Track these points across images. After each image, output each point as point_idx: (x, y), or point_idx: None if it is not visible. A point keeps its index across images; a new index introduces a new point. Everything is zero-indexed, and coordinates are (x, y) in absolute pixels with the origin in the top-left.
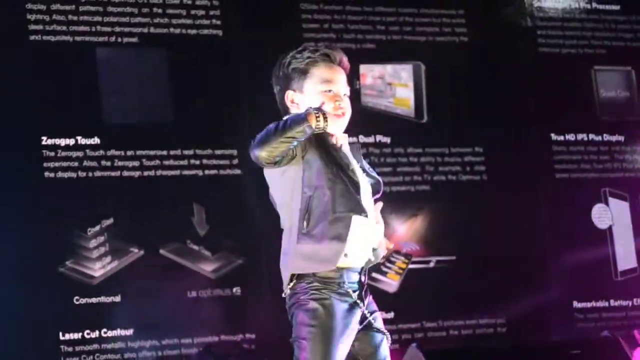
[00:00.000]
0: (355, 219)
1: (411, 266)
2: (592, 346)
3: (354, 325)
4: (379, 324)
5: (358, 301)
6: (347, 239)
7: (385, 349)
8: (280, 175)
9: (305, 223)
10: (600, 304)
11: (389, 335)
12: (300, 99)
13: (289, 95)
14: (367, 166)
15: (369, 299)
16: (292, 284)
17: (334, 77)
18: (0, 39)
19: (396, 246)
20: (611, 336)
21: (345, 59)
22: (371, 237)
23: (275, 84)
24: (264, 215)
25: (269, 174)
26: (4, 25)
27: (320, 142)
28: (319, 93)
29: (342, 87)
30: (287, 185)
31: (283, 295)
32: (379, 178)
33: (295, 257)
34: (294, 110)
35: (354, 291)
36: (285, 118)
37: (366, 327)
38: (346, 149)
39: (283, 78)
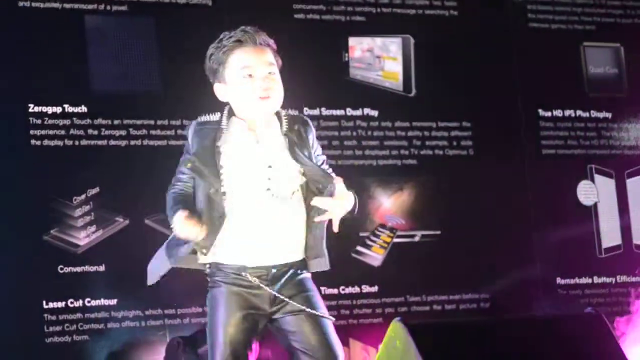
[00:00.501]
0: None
1: (396, 240)
2: (575, 322)
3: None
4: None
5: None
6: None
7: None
8: None
9: None
10: (584, 280)
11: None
12: (225, 90)
13: (216, 88)
14: (306, 154)
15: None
16: None
17: (250, 61)
18: None
19: (381, 220)
20: (594, 312)
21: (262, 37)
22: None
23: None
24: None
25: None
26: None
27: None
28: (239, 81)
29: (263, 67)
30: None
31: None
32: (323, 172)
33: None
34: (226, 100)
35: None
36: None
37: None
38: (268, 141)
39: (210, 72)
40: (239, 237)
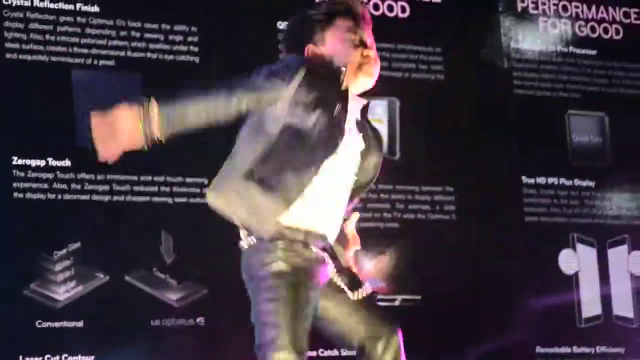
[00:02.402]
0: None
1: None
2: None
3: None
4: None
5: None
6: None
7: None
8: None
9: None
10: (563, 350)
11: None
12: (322, 52)
13: (310, 50)
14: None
15: None
16: None
17: (358, 23)
18: None
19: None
20: None
21: (367, 13)
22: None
23: (286, 45)
24: (231, 246)
25: None
26: None
27: None
28: (343, 42)
29: (366, 36)
30: None
31: None
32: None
33: None
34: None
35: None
36: None
37: None
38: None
39: (299, 34)
40: (315, 206)
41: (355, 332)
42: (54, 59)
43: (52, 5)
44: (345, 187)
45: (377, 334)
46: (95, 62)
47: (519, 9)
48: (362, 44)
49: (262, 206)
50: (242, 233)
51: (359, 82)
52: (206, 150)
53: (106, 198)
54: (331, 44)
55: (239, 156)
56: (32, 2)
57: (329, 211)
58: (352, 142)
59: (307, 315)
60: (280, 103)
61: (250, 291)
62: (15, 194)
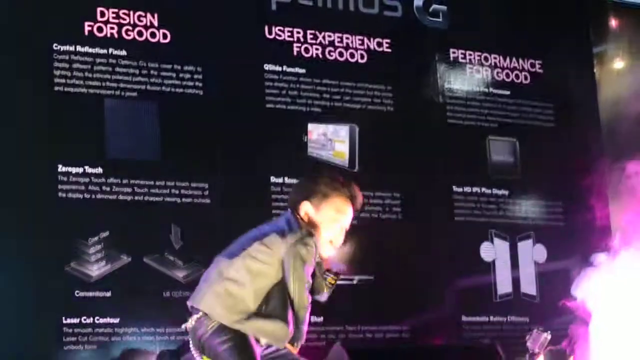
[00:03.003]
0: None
1: (339, 282)
2: (475, 349)
3: None
4: None
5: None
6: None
7: None
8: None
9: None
10: (483, 318)
11: None
12: (313, 214)
13: (305, 206)
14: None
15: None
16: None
17: (347, 213)
18: (32, 89)
19: (328, 266)
20: (490, 343)
21: (361, 204)
22: None
23: (296, 190)
24: (227, 236)
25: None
26: (36, 78)
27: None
28: (331, 220)
29: (347, 224)
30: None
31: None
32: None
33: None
34: (306, 219)
35: None
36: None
37: None
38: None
39: (307, 190)
40: None
41: None
42: (90, 90)
43: (90, 50)
44: None
45: None
46: (123, 93)
47: (452, 59)
48: (342, 229)
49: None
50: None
51: (330, 252)
52: (207, 161)
53: (129, 198)
54: (322, 214)
55: None
56: (75, 47)
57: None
58: None
59: None
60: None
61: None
62: (60, 194)
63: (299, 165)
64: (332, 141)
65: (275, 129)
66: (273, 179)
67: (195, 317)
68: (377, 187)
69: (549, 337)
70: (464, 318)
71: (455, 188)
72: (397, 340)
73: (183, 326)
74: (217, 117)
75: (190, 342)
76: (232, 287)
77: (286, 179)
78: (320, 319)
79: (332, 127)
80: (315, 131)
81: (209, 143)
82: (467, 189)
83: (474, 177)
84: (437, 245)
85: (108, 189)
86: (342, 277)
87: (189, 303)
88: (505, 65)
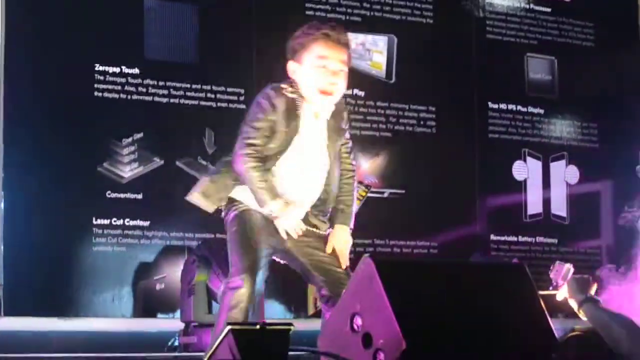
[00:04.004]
0: None
1: (370, 195)
2: (504, 268)
3: None
4: None
5: None
6: None
7: None
8: None
9: None
10: (511, 238)
11: None
12: (297, 69)
13: (290, 65)
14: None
15: None
16: None
17: (330, 54)
18: None
19: (360, 178)
20: (519, 263)
21: (345, 38)
22: None
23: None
24: None
25: None
26: None
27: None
28: (313, 67)
29: (336, 63)
30: None
31: None
32: (349, 167)
33: None
34: (294, 77)
35: None
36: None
37: None
38: (318, 127)
39: (289, 50)
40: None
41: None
42: None
43: None
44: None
45: None
46: None
47: None
48: (330, 72)
49: None
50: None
51: (322, 102)
52: (243, 65)
53: (165, 100)
54: (305, 64)
55: None
56: None
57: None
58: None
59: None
60: None
61: None
62: (96, 93)
63: None
64: (370, 51)
65: None
66: None
67: None
68: (412, 100)
69: (572, 268)
70: (492, 237)
71: (490, 104)
72: (425, 256)
73: None
74: (255, 25)
75: None
76: None
77: None
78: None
79: (370, 37)
80: (354, 41)
81: (246, 49)
82: (503, 106)
83: (511, 94)
84: (469, 161)
85: (144, 90)
86: (373, 189)
87: None
88: None
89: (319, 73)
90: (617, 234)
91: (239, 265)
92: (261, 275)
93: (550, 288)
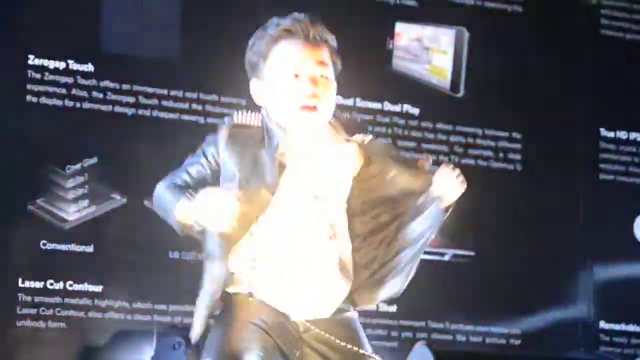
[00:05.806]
0: None
1: (423, 257)
2: None
3: None
4: None
5: None
6: None
7: None
8: None
9: None
10: (632, 327)
11: None
12: (262, 88)
13: (253, 85)
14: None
15: None
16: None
17: (298, 56)
18: None
19: None
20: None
21: (318, 29)
22: None
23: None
24: None
25: None
26: None
27: None
28: (281, 79)
29: (313, 67)
30: None
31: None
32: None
33: None
34: (262, 103)
35: None
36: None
37: None
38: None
39: (248, 66)
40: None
41: None
42: None
43: None
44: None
45: None
46: None
47: None
48: (305, 79)
49: None
50: None
51: (305, 121)
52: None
53: (130, 111)
54: (269, 79)
55: None
56: None
57: None
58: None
59: None
60: None
61: None
62: (29, 97)
63: (377, 82)
64: (429, 50)
65: (347, 27)
66: (338, 99)
67: None
68: (489, 122)
69: None
70: (602, 325)
71: (603, 132)
72: (502, 348)
73: None
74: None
75: None
76: None
77: (358, 101)
78: (393, 308)
79: (430, 30)
80: (406, 34)
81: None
82: (622, 135)
83: (633, 117)
84: (571, 214)
85: (100, 95)
86: (428, 250)
87: None
88: None
89: (289, 84)
90: None
91: None
92: None
93: None
